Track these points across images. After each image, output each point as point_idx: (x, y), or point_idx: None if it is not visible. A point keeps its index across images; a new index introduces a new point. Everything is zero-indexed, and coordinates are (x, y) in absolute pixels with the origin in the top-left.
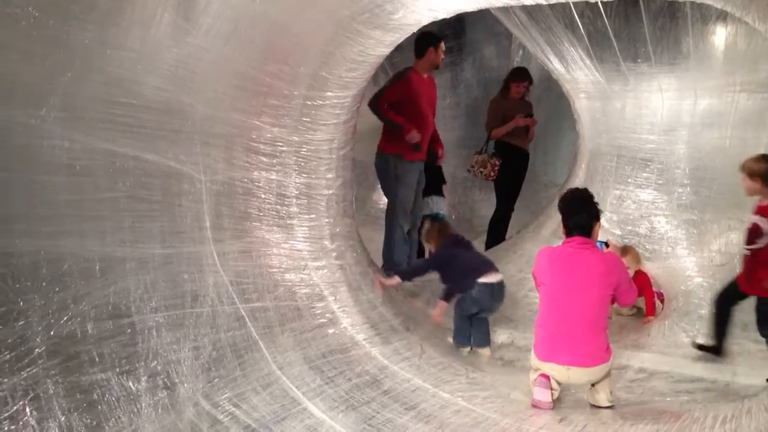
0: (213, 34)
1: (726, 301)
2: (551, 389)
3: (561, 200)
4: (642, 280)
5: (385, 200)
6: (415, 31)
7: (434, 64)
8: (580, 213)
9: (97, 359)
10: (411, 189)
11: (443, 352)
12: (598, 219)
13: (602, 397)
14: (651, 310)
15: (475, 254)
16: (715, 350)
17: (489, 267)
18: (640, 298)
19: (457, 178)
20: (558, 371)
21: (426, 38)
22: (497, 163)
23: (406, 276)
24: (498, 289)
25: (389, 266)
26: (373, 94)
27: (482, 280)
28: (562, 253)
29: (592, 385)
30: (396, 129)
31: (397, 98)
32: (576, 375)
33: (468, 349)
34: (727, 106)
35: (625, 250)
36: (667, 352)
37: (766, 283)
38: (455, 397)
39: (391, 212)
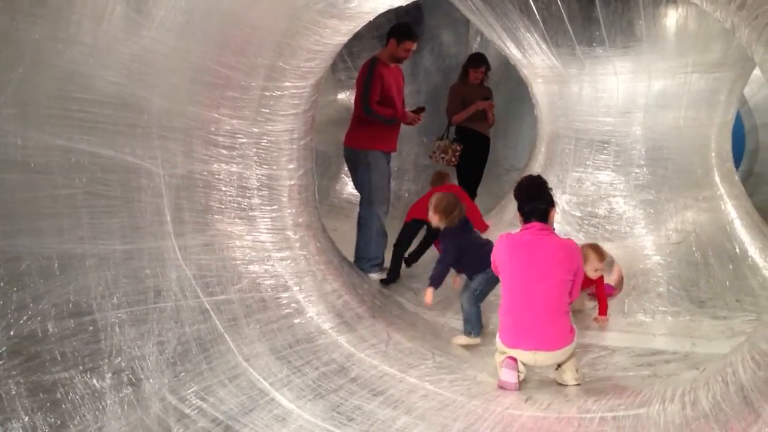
0: (167, 27)
1: None
2: (518, 371)
3: (516, 187)
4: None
5: (348, 190)
6: (371, 19)
7: (394, 57)
8: (535, 199)
9: (59, 358)
10: (385, 176)
11: (409, 338)
12: (553, 205)
13: (569, 376)
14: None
15: (478, 234)
16: None
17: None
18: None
19: (419, 165)
20: (524, 356)
21: (393, 29)
22: (459, 148)
23: (438, 283)
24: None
25: (366, 261)
26: (361, 101)
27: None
28: (521, 240)
29: (559, 365)
30: (392, 122)
31: (379, 95)
32: (542, 358)
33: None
34: (680, 87)
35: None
36: (627, 329)
37: None
38: (422, 382)
39: (366, 204)
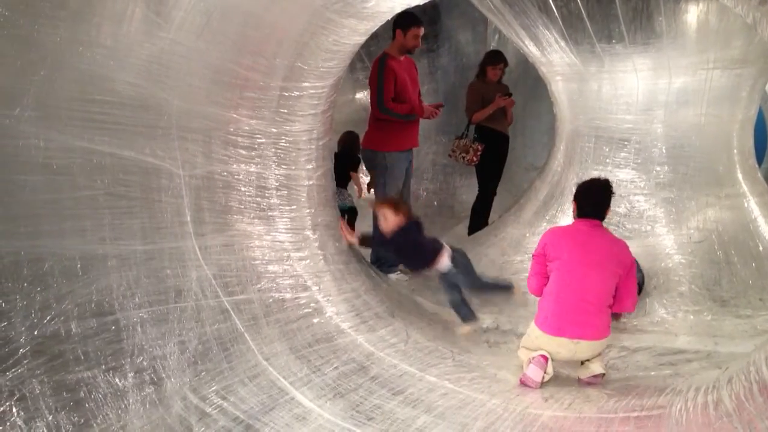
0: (185, 28)
1: None
2: (544, 372)
3: (580, 187)
4: None
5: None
6: (389, 18)
7: (403, 48)
8: (596, 202)
9: (82, 357)
10: (399, 179)
11: (429, 337)
12: (609, 206)
13: (597, 366)
14: None
15: (427, 240)
16: None
17: (438, 253)
18: None
19: (438, 164)
20: (566, 346)
21: (395, 19)
22: (479, 148)
23: (366, 245)
24: (458, 265)
25: (383, 261)
26: (376, 100)
27: (438, 268)
28: (577, 231)
29: (584, 361)
30: (410, 119)
31: (393, 91)
32: (582, 349)
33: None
34: (701, 83)
35: None
36: (649, 329)
37: None
38: (442, 380)
39: None
